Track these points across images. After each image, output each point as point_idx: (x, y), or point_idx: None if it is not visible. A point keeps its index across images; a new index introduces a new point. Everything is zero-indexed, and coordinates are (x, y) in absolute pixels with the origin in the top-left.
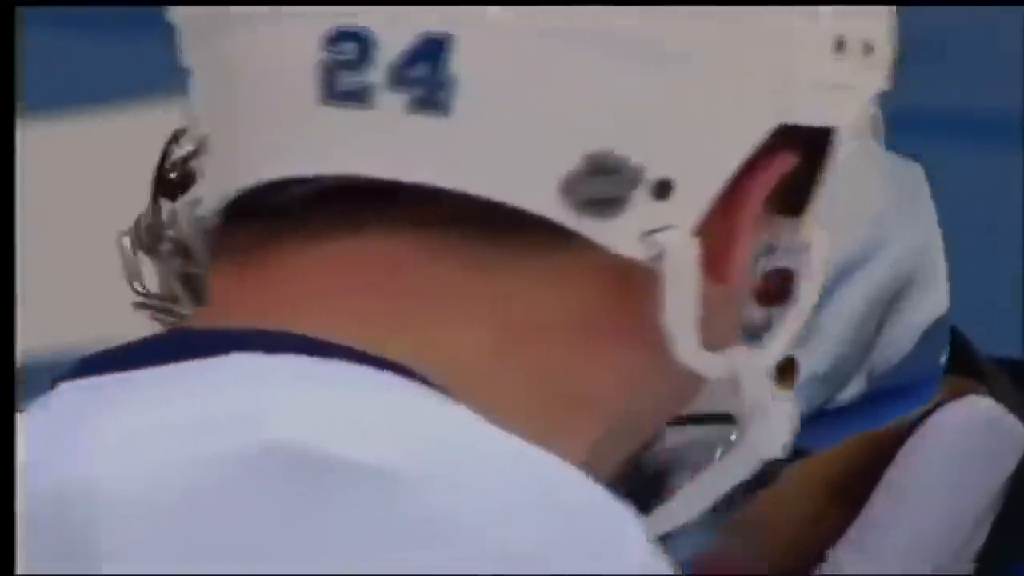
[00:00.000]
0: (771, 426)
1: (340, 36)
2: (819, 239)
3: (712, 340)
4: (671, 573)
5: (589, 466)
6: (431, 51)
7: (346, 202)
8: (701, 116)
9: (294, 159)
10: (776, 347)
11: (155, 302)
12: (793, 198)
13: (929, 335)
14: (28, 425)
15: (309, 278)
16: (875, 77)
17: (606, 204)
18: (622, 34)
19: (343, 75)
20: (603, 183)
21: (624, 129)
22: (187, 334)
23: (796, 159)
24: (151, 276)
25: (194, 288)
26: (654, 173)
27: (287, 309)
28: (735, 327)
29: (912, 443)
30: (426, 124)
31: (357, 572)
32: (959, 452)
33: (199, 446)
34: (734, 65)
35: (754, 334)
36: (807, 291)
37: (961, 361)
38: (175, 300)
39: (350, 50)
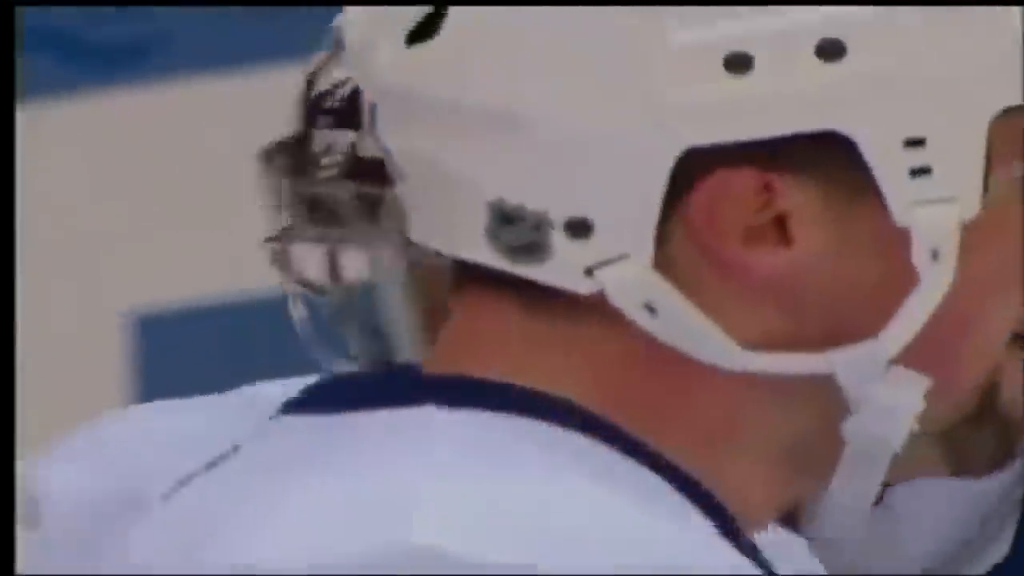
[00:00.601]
0: (882, 418)
1: None
2: (926, 227)
3: (803, 335)
4: None
5: (754, 503)
6: (372, 122)
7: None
8: (581, 161)
9: None
10: (892, 337)
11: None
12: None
13: None
14: (233, 467)
15: (453, 332)
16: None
17: (529, 249)
18: (474, 107)
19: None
20: (514, 230)
21: (509, 180)
22: (400, 375)
23: (755, 171)
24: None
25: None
26: (560, 215)
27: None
28: (836, 321)
29: None
30: (400, 190)
31: None
32: None
33: (350, 542)
34: (593, 118)
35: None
36: (932, 278)
37: None
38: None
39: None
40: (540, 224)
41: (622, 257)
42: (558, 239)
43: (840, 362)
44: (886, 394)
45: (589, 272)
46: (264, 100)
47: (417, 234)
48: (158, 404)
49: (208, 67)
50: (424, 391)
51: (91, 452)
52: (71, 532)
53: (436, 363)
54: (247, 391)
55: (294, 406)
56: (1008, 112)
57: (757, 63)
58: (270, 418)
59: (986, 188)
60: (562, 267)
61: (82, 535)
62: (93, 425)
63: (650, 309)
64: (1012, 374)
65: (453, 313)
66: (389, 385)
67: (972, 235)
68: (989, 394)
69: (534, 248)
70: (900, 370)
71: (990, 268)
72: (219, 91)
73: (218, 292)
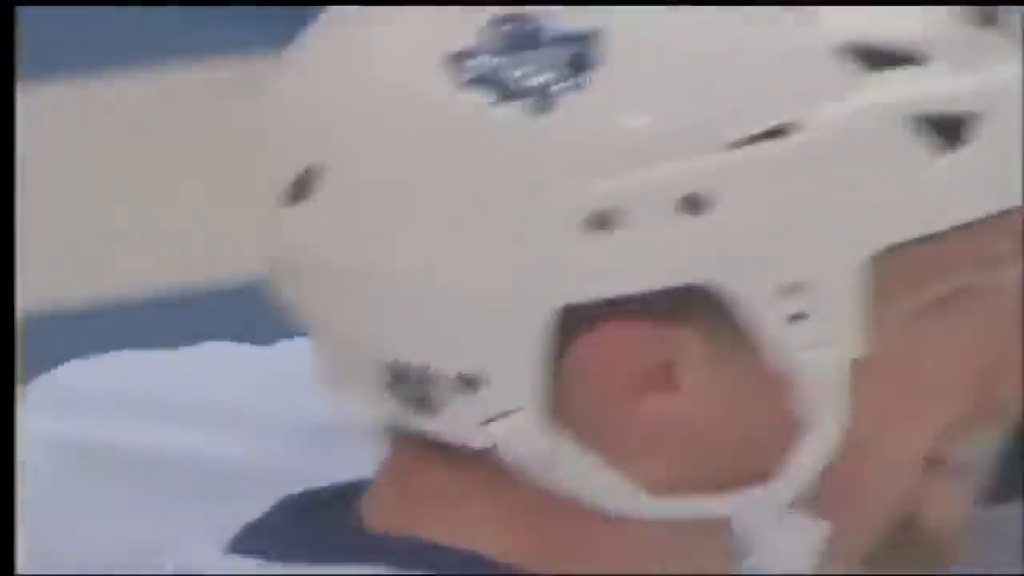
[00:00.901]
0: (775, 564)
1: None
2: (810, 371)
3: (695, 480)
4: None
5: None
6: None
7: None
8: (460, 318)
9: None
10: (786, 482)
11: None
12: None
13: None
14: None
15: (388, 480)
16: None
17: (425, 403)
18: (350, 267)
19: None
20: (408, 386)
21: (394, 339)
22: (348, 525)
23: (635, 323)
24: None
25: None
26: (447, 370)
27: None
28: (731, 463)
29: None
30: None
31: None
32: None
33: None
34: (466, 277)
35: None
36: (821, 422)
37: None
38: None
39: None
40: (428, 379)
41: (516, 410)
42: (449, 394)
43: (738, 506)
44: (779, 541)
45: (487, 423)
46: (148, 99)
47: (333, 387)
48: (123, 354)
49: (104, 66)
50: (365, 546)
51: (52, 401)
52: (45, 479)
53: (376, 510)
54: (208, 350)
55: (251, 541)
56: (893, 248)
57: (622, 219)
58: (225, 552)
59: (874, 325)
60: (456, 421)
61: (54, 483)
62: (53, 376)
63: (547, 461)
64: (935, 500)
65: (391, 456)
66: (336, 537)
67: (867, 370)
68: (908, 520)
69: (429, 402)
70: (796, 516)
71: (889, 402)
72: (120, 89)
73: (113, 292)
